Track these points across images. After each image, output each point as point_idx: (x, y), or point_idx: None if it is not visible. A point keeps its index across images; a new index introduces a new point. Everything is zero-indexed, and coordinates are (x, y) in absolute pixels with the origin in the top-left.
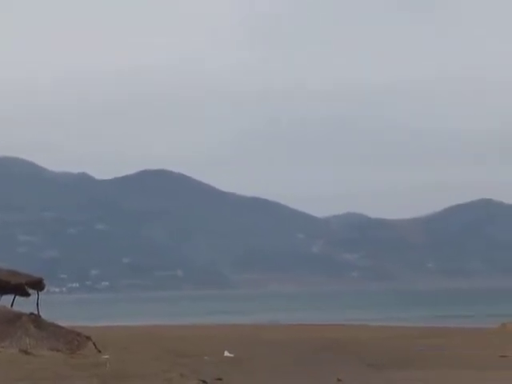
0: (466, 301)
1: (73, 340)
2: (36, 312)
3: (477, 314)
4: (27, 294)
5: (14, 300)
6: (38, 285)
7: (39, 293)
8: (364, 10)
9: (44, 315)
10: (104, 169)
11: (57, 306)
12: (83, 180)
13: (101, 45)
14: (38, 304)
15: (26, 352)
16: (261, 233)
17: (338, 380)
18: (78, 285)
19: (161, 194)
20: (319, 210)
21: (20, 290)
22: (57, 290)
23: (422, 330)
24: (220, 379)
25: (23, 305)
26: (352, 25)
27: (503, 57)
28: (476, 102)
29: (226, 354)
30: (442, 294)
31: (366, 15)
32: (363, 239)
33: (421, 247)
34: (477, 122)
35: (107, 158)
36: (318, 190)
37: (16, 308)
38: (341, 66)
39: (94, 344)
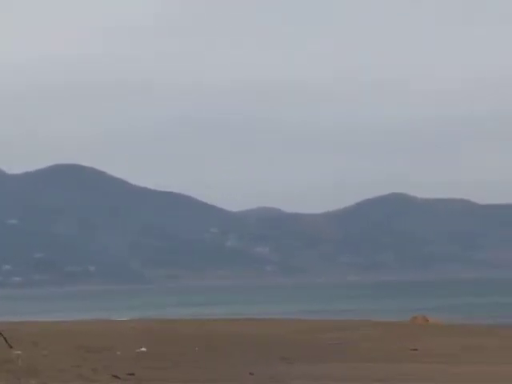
0: (378, 294)
1: None
2: None
3: (388, 307)
4: None
5: None
6: None
7: None
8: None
9: None
10: (16, 163)
11: None
12: None
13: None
14: None
15: None
16: (174, 227)
17: (250, 374)
18: None
19: (73, 188)
20: (233, 205)
21: None
22: None
23: (333, 323)
24: (132, 374)
25: None
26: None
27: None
28: (387, 100)
29: (139, 348)
30: (354, 288)
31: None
32: (277, 233)
33: (334, 241)
34: (387, 118)
35: (19, 152)
36: (232, 184)
37: None
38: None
39: (6, 339)
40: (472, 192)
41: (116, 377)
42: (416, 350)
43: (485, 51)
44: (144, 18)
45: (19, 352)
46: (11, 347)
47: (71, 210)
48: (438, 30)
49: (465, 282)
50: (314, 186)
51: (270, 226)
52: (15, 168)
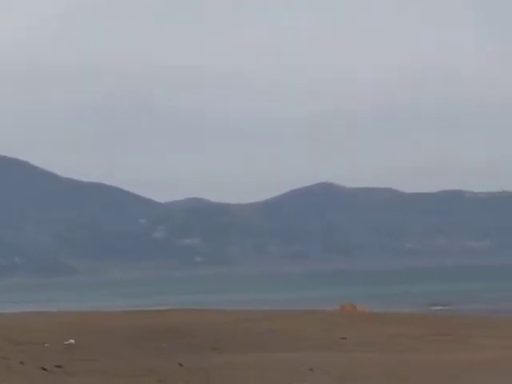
0: (306, 284)
1: None
2: None
3: (317, 295)
4: None
5: None
6: None
7: None
8: None
9: None
10: None
11: None
12: None
13: None
14: None
15: None
16: (101, 219)
17: (180, 365)
18: None
19: None
20: (161, 196)
21: None
22: None
23: (263, 313)
24: (60, 366)
25: None
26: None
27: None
28: (310, 91)
29: (67, 341)
30: (283, 278)
31: None
32: (205, 224)
33: (262, 231)
34: (314, 106)
35: None
36: (159, 174)
37: None
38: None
39: None
40: (397, 181)
41: (44, 369)
42: (345, 338)
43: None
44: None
45: None
46: None
47: None
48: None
49: (391, 271)
50: (242, 177)
51: (199, 216)
52: None
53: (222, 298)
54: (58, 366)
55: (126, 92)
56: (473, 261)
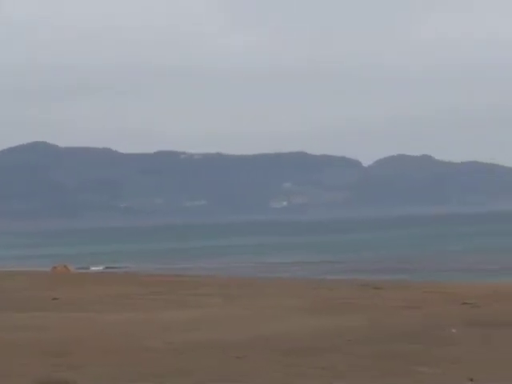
0: (22, 243)
1: None
2: None
3: (30, 255)
4: None
5: None
6: None
7: None
8: None
9: None
10: None
11: None
12: None
13: None
14: None
15: None
16: None
17: None
18: None
19: None
20: None
21: None
22: None
23: None
24: None
25: None
26: None
27: None
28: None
29: None
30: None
31: None
32: None
33: None
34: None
35: None
36: None
37: None
38: None
39: None
40: (114, 141)
41: None
42: (57, 299)
43: None
44: None
45: None
46: None
47: None
48: None
49: (110, 230)
50: None
51: None
52: None
53: None
54: None
55: None
56: (188, 220)
